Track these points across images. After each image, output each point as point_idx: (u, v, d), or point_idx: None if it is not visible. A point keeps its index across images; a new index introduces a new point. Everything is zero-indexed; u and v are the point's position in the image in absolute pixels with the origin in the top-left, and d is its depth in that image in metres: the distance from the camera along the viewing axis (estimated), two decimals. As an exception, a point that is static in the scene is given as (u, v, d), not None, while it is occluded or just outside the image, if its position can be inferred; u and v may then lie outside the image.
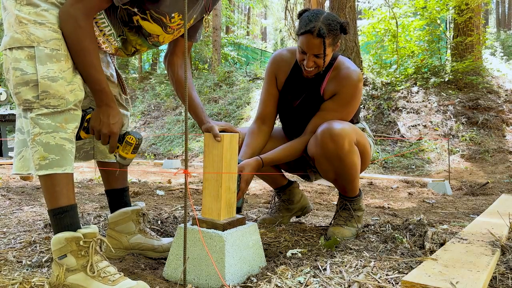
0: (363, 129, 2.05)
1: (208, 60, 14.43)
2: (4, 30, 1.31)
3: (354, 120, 2.02)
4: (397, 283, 1.24)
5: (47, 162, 1.24)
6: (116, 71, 1.67)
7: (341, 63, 1.89)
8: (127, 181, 1.72)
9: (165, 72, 16.59)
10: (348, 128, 1.75)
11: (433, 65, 8.46)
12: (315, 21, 1.71)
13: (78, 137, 1.41)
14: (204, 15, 1.63)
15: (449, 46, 9.08)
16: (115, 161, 1.48)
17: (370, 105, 7.65)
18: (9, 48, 1.25)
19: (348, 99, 1.85)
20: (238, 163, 1.68)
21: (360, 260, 1.46)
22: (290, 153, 1.86)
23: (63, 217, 1.25)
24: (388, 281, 1.27)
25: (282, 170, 2.23)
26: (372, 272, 1.34)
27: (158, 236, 1.73)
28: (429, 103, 7.35)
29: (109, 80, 1.59)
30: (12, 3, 1.27)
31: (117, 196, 1.69)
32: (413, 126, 7.01)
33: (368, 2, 13.11)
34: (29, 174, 1.31)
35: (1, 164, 5.93)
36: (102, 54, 1.56)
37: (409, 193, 3.89)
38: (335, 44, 1.79)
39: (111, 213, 1.69)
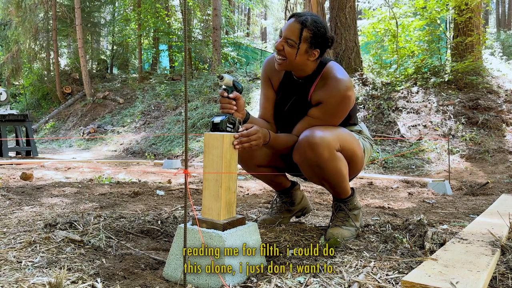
0: (360, 132, 2.04)
1: (208, 60, 14.43)
2: None
3: (351, 121, 2.00)
4: (397, 283, 1.24)
5: None
6: None
7: (330, 71, 1.82)
8: None
9: (165, 72, 16.48)
10: (328, 135, 1.72)
11: (433, 65, 8.46)
12: (306, 13, 1.77)
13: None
14: None
15: (449, 46, 9.08)
16: None
17: (370, 105, 7.65)
18: None
19: (333, 109, 1.81)
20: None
21: (360, 260, 1.47)
22: (288, 143, 1.84)
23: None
24: (388, 281, 1.27)
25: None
26: (372, 272, 1.34)
27: None
28: (429, 103, 7.35)
29: None
30: None
31: None
32: (413, 126, 7.01)
33: (368, 2, 13.12)
34: None
35: (1, 164, 5.92)
36: None
37: (409, 193, 3.89)
38: (312, 46, 1.74)
39: None
